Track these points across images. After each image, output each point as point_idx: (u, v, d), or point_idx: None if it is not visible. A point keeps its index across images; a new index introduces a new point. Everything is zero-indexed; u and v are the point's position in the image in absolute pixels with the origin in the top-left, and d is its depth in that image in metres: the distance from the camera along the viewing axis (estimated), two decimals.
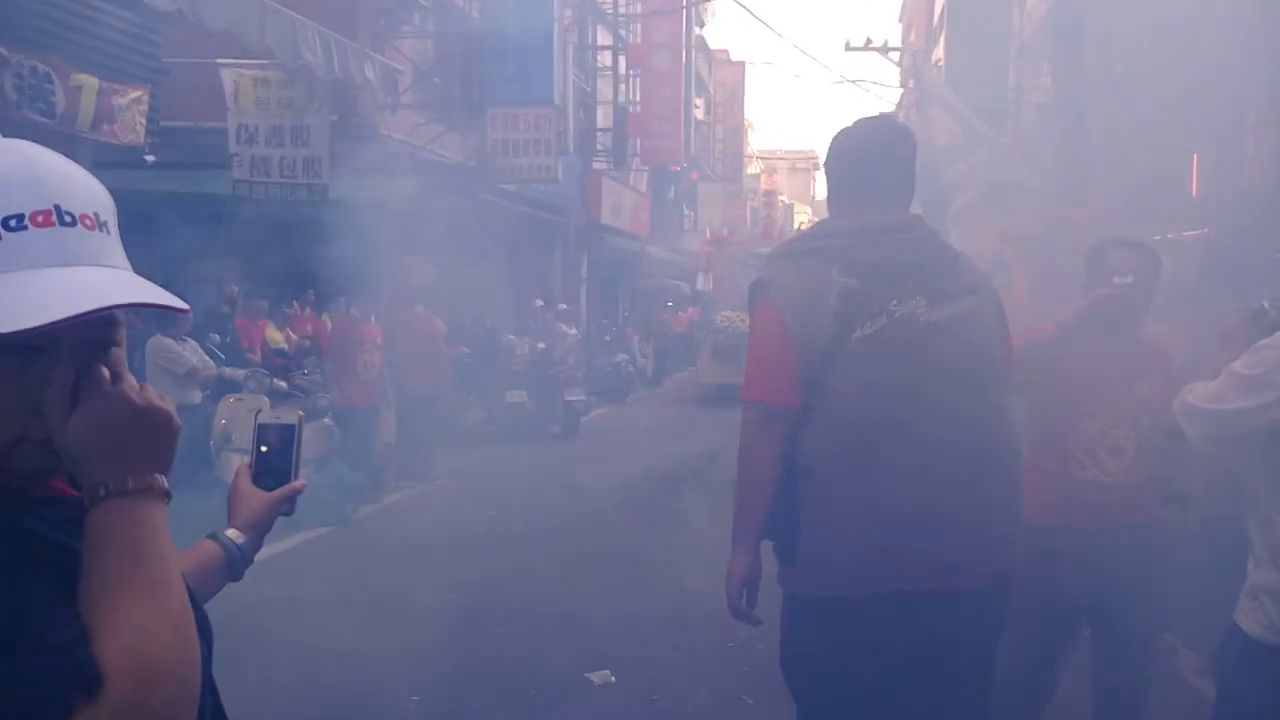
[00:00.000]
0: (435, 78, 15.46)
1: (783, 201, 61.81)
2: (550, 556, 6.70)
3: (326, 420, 8.10)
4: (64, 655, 0.88)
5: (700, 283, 19.43)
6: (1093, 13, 9.36)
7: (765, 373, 2.42)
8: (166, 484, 1.01)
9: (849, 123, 2.69)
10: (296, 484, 1.43)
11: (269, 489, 1.42)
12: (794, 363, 2.33)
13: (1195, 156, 12.06)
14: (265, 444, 1.42)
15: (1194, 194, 11.92)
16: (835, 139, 2.67)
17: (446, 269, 13.30)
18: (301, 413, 1.46)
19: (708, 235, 16.74)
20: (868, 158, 2.56)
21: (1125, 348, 3.19)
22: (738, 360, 11.14)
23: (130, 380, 1.02)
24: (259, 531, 1.42)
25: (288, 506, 1.44)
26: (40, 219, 0.96)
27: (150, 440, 1.01)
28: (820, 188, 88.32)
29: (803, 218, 71.02)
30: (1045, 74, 14.38)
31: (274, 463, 1.42)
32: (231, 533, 1.40)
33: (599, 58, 23.55)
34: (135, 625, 0.92)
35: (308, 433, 6.26)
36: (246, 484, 1.43)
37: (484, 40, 14.66)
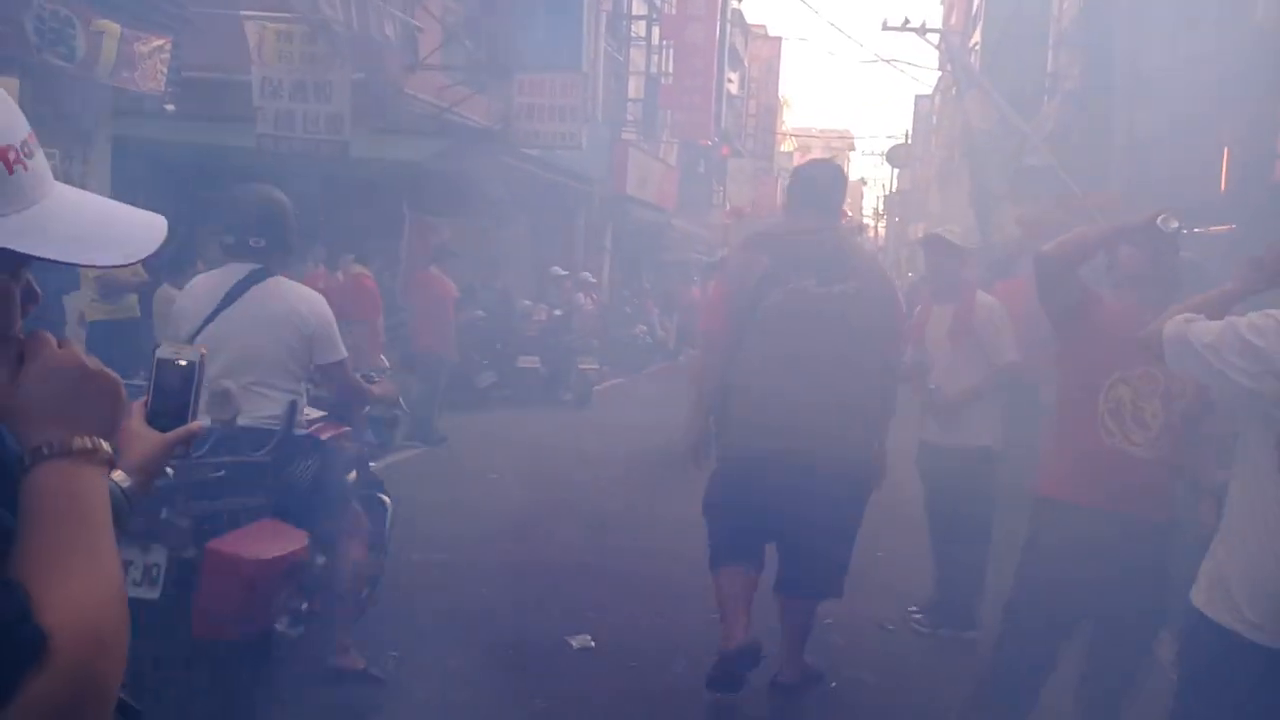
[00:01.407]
0: (465, 39, 15.41)
1: None
2: (547, 522, 6.70)
3: None
4: (17, 627, 0.87)
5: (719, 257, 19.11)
6: (1124, 4, 9.15)
7: (714, 318, 4.08)
8: (111, 451, 0.99)
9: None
10: (193, 425, 1.33)
11: (164, 429, 1.31)
12: (727, 316, 3.90)
13: (1226, 151, 11.83)
14: (163, 381, 1.31)
15: (1223, 189, 11.70)
16: (794, 172, 4.45)
17: (467, 232, 13.33)
18: (205, 350, 1.35)
19: (728, 208, 16.05)
20: (807, 187, 4.05)
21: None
22: None
23: (74, 344, 1.01)
24: (148, 475, 1.30)
25: (183, 449, 1.34)
26: (26, 149, 0.95)
27: (98, 404, 0.99)
28: (854, 169, 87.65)
29: None
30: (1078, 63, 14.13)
31: (171, 402, 1.31)
32: (118, 475, 1.26)
33: (633, 27, 23.37)
34: (86, 595, 0.91)
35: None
36: (139, 423, 1.31)
37: (514, 3, 14.57)
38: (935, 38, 22.04)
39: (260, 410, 3.39)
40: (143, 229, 1.00)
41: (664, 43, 23.92)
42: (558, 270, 16.21)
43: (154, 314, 7.13)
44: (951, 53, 14.13)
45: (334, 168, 10.62)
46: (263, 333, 3.50)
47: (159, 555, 2.95)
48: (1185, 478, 3.21)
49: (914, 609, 5.15)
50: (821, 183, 4.07)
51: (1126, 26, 9.30)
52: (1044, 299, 3.31)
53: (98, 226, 0.98)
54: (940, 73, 35.78)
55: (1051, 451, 3.32)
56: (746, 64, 37.18)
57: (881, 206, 66.23)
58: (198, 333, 3.47)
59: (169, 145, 10.87)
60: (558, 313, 13.23)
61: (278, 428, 3.42)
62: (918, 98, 45.65)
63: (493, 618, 4.81)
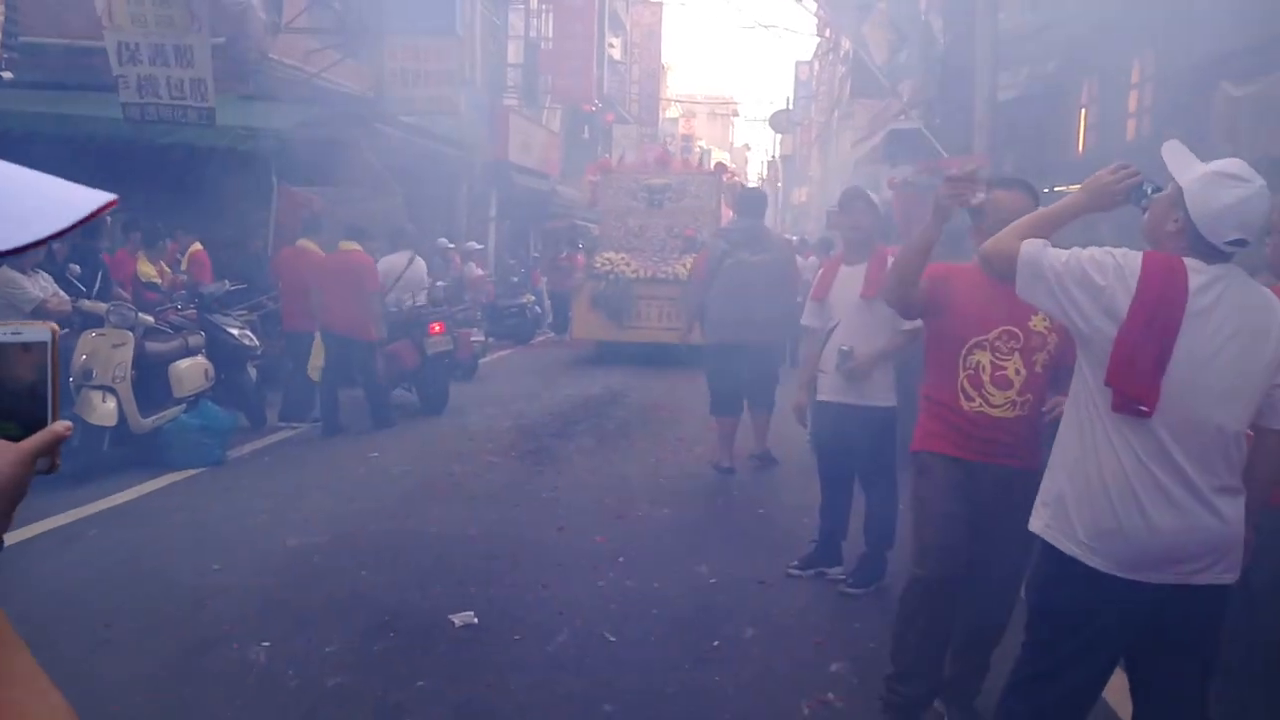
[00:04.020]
0: (333, 2, 14.84)
1: (701, 146, 61.48)
2: (430, 499, 6.58)
3: (200, 358, 7.78)
4: None
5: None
6: None
7: (697, 273, 7.61)
8: None
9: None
10: (57, 427, 0.93)
11: (14, 438, 0.91)
12: (705, 271, 7.22)
13: (1083, 112, 12.30)
14: (6, 372, 0.92)
15: (1080, 150, 12.19)
16: (740, 194, 8.57)
17: (340, 203, 12.89)
18: (55, 327, 0.95)
19: (592, 164, 15.28)
20: (747, 201, 7.73)
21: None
22: (623, 313, 11.69)
23: None
24: (7, 502, 0.89)
25: (46, 462, 0.93)
26: None
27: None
28: (739, 135, 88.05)
29: (721, 160, 70.90)
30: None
31: (16, 400, 0.92)
32: None
33: None
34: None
35: (181, 370, 6.03)
36: None
37: None
38: (812, 4, 22.24)
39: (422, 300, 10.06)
40: (51, 200, 0.74)
41: (543, 6, 23.55)
42: (443, 241, 15.86)
43: None
44: (829, 14, 14.28)
45: (197, 136, 10.13)
46: (421, 278, 10.27)
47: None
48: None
49: (793, 564, 5.25)
50: (754, 199, 7.81)
51: None
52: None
53: None
54: (819, 38, 36.18)
55: (922, 412, 3.46)
56: (629, 29, 36.91)
57: (765, 171, 67.04)
58: (397, 281, 9.75)
59: (12, 116, 10.20)
60: (441, 284, 12.91)
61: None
62: (797, 63, 46.25)
63: (372, 599, 4.69)
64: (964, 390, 3.25)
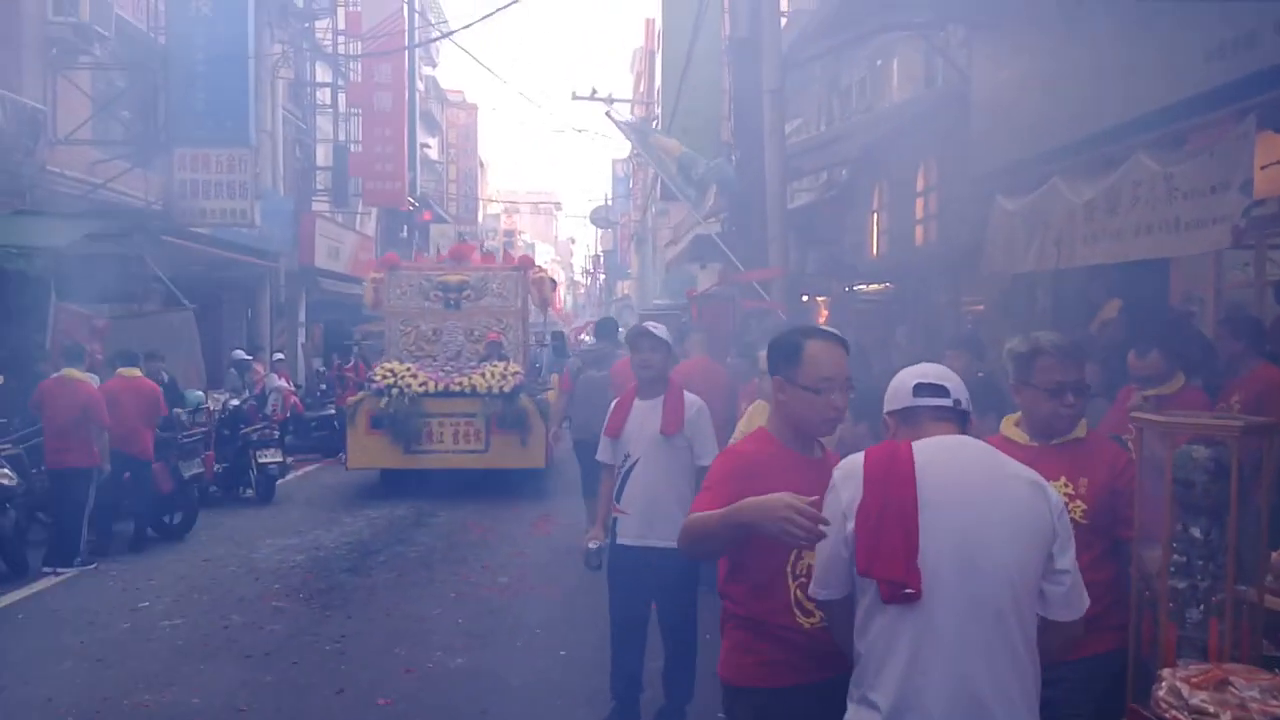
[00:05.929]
0: (124, 110, 14.19)
1: (524, 241, 62.02)
2: (200, 658, 5.99)
3: None
4: None
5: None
6: (770, 82, 9.79)
7: (562, 387, 9.57)
8: None
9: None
10: None
11: None
12: (569, 383, 9.21)
13: (875, 218, 13.02)
14: None
15: (874, 254, 12.85)
16: (598, 321, 11.27)
17: (128, 320, 12.10)
18: None
19: (375, 260, 13.47)
20: (602, 326, 9.92)
21: (814, 455, 2.79)
22: (410, 435, 11.04)
23: None
24: None
25: None
26: None
27: None
28: (563, 229, 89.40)
29: (547, 255, 72.21)
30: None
31: None
32: None
33: (318, 95, 22.57)
34: None
35: None
36: None
37: (173, 73, 13.59)
38: (619, 108, 22.89)
39: None
40: None
41: (351, 110, 23.30)
42: (240, 353, 15.07)
43: None
44: (622, 125, 14.64)
45: None
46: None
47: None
48: None
49: None
50: (606, 327, 9.48)
51: (773, 103, 9.91)
52: None
53: None
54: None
55: (738, 632, 2.75)
56: (445, 129, 37.03)
57: (589, 265, 68.13)
58: None
59: None
60: (235, 402, 12.21)
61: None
62: (614, 161, 47.48)
63: None
64: (799, 605, 2.63)
